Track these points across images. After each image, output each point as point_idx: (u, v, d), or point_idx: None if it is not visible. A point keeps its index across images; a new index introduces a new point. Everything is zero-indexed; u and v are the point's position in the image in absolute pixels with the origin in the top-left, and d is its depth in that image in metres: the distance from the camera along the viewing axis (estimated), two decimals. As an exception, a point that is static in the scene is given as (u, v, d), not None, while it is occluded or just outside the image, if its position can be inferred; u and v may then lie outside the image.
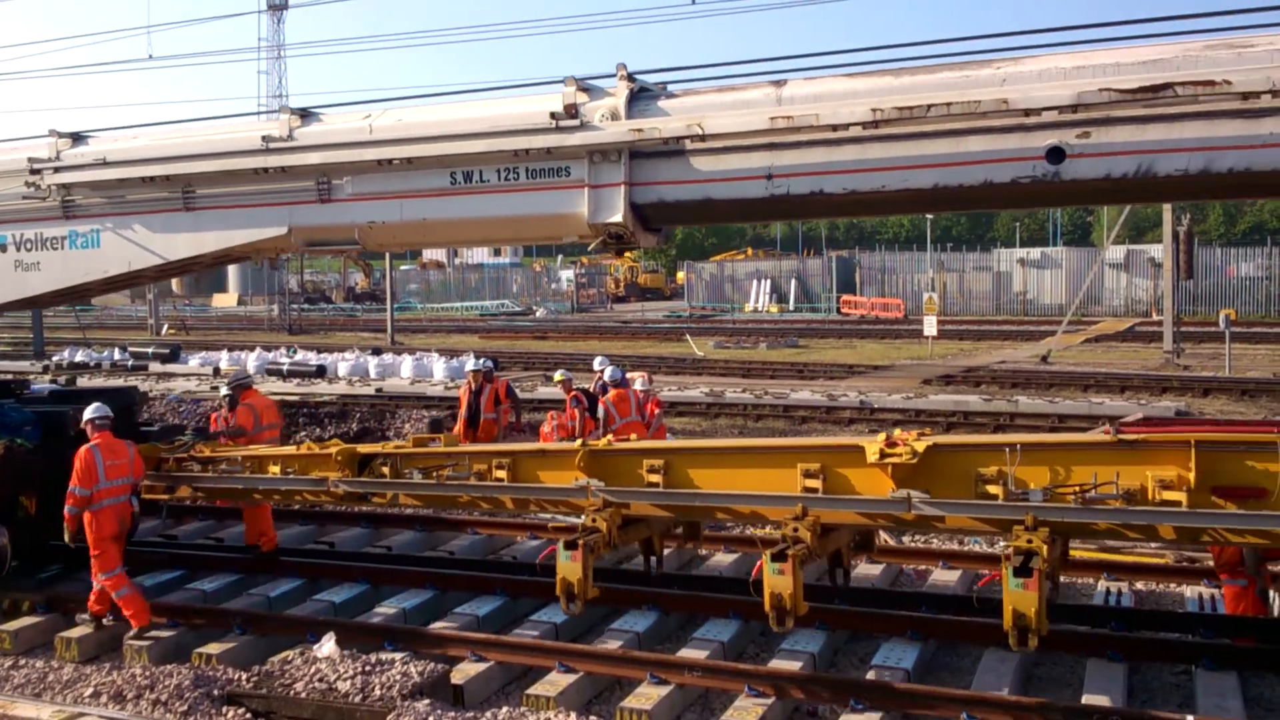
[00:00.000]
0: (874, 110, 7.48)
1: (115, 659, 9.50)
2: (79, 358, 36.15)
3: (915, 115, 7.40)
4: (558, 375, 15.67)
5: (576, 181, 8.58)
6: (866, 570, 11.17)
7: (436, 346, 39.53)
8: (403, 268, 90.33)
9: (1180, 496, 7.11)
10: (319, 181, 9.44)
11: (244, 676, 8.40)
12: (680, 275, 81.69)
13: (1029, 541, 7.08)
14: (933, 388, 26.98)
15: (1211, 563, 10.13)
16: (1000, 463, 7.64)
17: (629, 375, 15.10)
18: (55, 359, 36.04)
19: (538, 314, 68.86)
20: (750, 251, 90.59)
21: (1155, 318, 45.47)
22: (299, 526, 13.52)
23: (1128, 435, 7.53)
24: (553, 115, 8.48)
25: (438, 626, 9.63)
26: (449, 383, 27.97)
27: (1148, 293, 54.98)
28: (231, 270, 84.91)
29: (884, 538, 12.74)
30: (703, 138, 8.07)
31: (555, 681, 8.26)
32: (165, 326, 57.31)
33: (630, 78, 8.46)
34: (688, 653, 8.78)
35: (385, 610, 10.19)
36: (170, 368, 34.34)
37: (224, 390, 12.46)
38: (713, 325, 54.64)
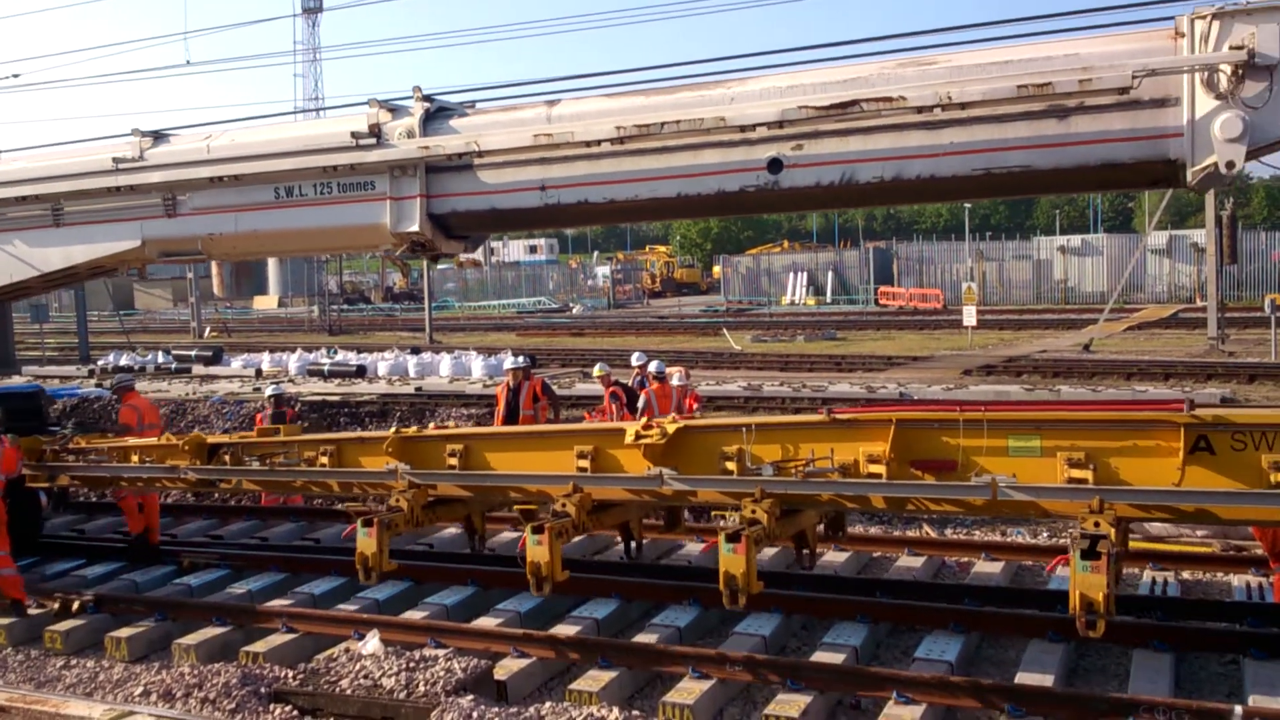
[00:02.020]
0: (618, 128, 8.29)
1: (164, 658, 9.64)
2: (123, 361, 36.65)
3: (651, 132, 8.21)
4: (597, 370, 15.68)
5: (380, 194, 9.39)
6: (908, 562, 11.13)
7: (474, 345, 39.73)
8: (440, 267, 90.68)
9: (882, 469, 7.92)
10: (165, 198, 10.35)
11: (290, 674, 8.49)
12: (716, 270, 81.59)
13: (752, 511, 7.98)
14: (973, 378, 26.76)
15: (1260, 550, 10.00)
16: (740, 442, 8.51)
17: (667, 370, 15.09)
18: (100, 363, 36.55)
19: (574, 310, 68.96)
20: (786, 244, 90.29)
21: (1199, 304, 44.90)
22: (329, 526, 13.65)
23: (841, 416, 8.42)
24: (354, 135, 9.33)
25: (479, 623, 9.69)
26: (487, 380, 28.11)
27: (1191, 278, 54.27)
28: (272, 272, 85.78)
29: (926, 530, 12.70)
30: (481, 154, 8.92)
31: (597, 677, 8.29)
32: (208, 329, 57.95)
33: (427, 98, 9.34)
34: (730, 648, 8.78)
35: (428, 607, 10.26)
36: (213, 370, 34.73)
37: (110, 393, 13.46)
38: (750, 319, 54.52)
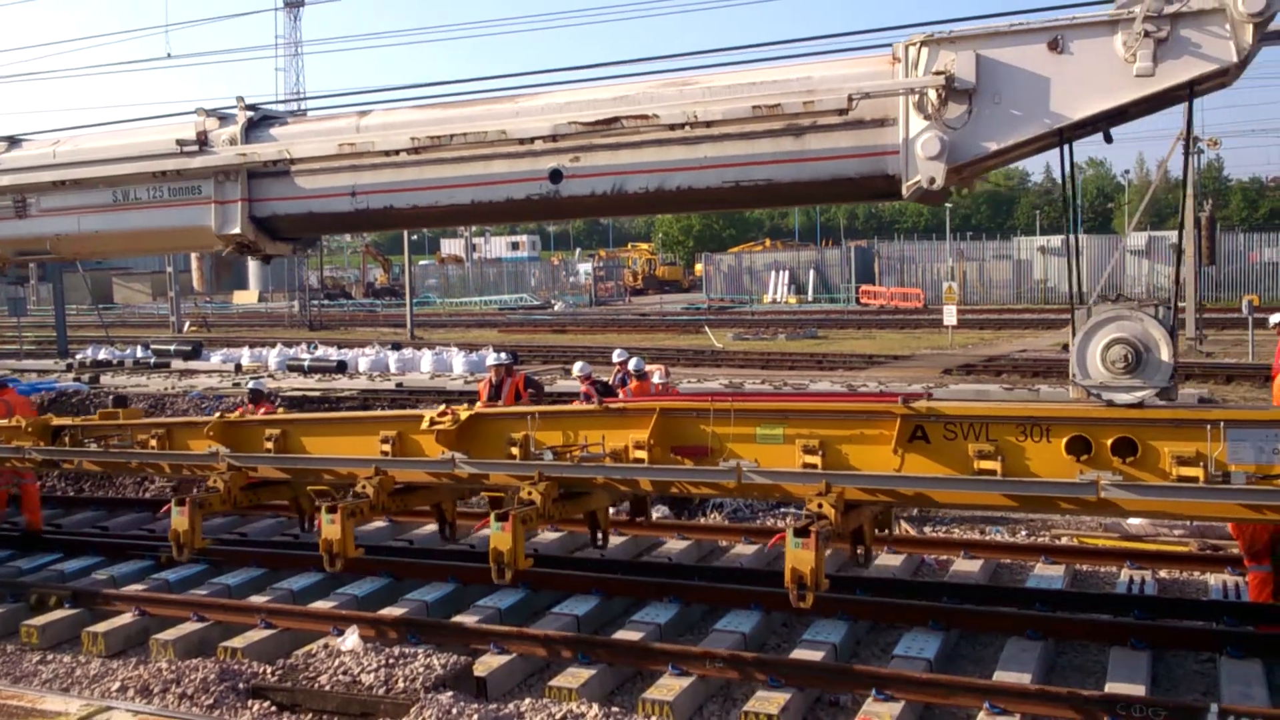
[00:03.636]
0: (413, 139, 8.80)
1: (141, 653, 9.60)
2: (102, 356, 36.40)
3: (442, 143, 8.72)
4: (576, 370, 15.68)
5: (206, 199, 9.85)
6: (887, 560, 11.17)
7: (456, 341, 39.63)
8: (421, 263, 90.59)
9: (644, 455, 8.67)
10: (15, 200, 10.71)
11: (269, 670, 8.46)
12: (698, 267, 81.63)
13: (529, 494, 8.68)
14: (953, 377, 26.88)
15: (1236, 550, 10.08)
16: (526, 429, 9.21)
17: (647, 368, 15.12)
18: (79, 357, 36.29)
19: (556, 307, 68.87)
20: (768, 243, 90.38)
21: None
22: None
23: (612, 405, 9.31)
24: (179, 142, 9.80)
25: (459, 619, 9.68)
26: (469, 376, 28.03)
27: (1170, 279, 54.59)
28: (252, 267, 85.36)
29: (905, 528, 12.75)
30: (294, 160, 9.40)
31: (577, 673, 8.29)
32: (187, 324, 57.61)
33: (251, 107, 9.87)
34: (710, 646, 8.80)
35: (407, 603, 10.24)
36: (192, 365, 34.52)
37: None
38: (731, 317, 54.56)
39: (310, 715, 7.93)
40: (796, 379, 26.48)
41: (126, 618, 10.13)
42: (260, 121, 9.84)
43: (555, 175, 8.63)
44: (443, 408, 9.92)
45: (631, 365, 14.70)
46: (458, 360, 30.75)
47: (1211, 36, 6.77)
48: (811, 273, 69.14)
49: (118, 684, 8.58)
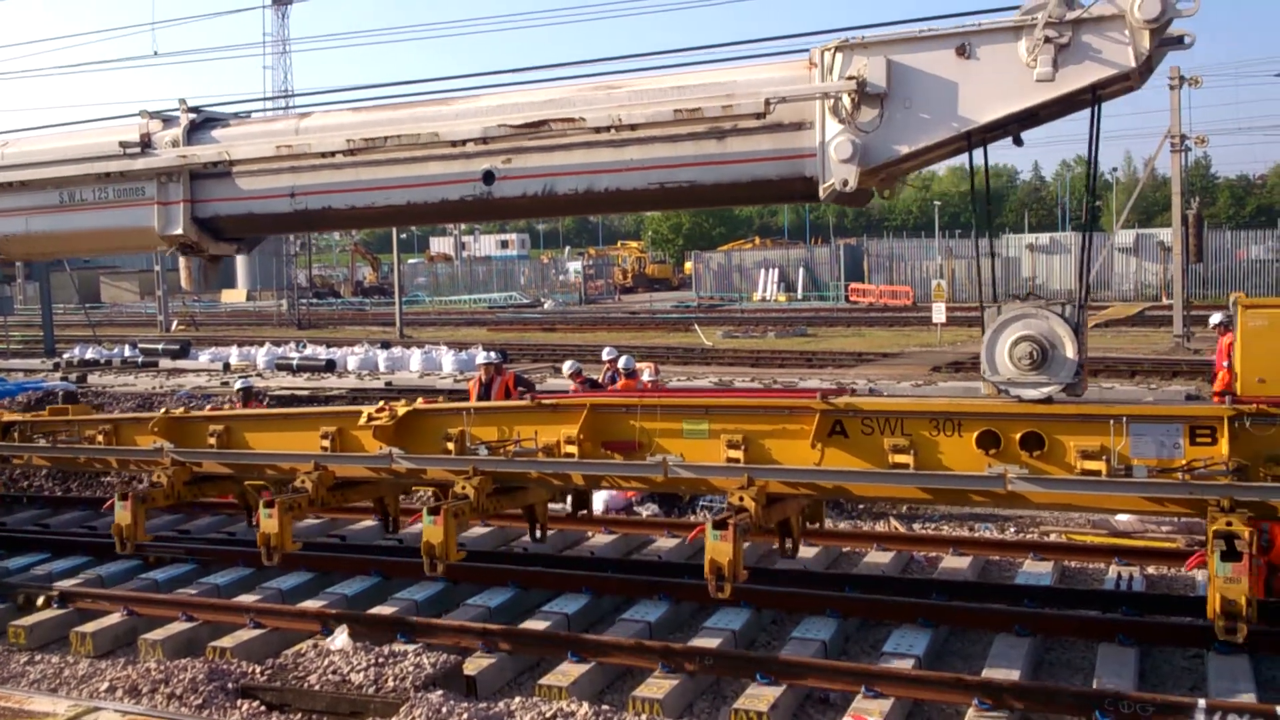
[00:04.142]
0: (348, 141, 8.95)
1: (130, 654, 9.56)
2: (89, 355, 36.26)
3: (376, 145, 8.87)
4: (567, 369, 15.67)
5: (149, 200, 10.01)
6: (877, 557, 11.19)
7: (445, 339, 39.56)
8: (410, 261, 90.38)
9: (575, 449, 8.91)
10: None
11: (258, 669, 8.44)
12: (688, 265, 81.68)
13: (463, 488, 8.88)
14: (942, 375, 26.93)
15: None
16: (461, 424, 9.43)
17: (636, 366, 15.14)
18: (66, 356, 36.15)
19: (546, 306, 68.82)
20: (758, 240, 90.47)
21: (1165, 302, 45.31)
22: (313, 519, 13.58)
23: (545, 401, 9.40)
24: (122, 144, 9.93)
25: (449, 618, 9.67)
26: (458, 375, 28.00)
27: (1157, 277, 54.80)
28: (240, 266, 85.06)
29: (895, 525, 12.77)
30: (233, 162, 9.57)
31: (567, 671, 8.29)
32: (175, 323, 57.42)
33: (194, 110, 10.03)
34: (699, 643, 8.80)
35: (397, 602, 10.22)
36: (180, 364, 34.42)
37: None
38: (721, 315, 54.59)
39: (299, 715, 7.92)
40: (786, 377, 26.49)
41: (115, 618, 10.08)
42: (203, 124, 10.00)
43: (488, 177, 8.78)
44: (381, 404, 10.11)
45: (621, 363, 14.73)
46: (447, 359, 30.71)
47: (1111, 42, 7.00)
48: (801, 271, 69.21)
49: (106, 684, 8.56)
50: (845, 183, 7.51)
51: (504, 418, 9.48)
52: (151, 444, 10.89)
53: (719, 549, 7.77)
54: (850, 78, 7.42)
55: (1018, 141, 7.87)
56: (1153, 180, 57.61)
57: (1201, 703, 7.01)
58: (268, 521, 9.39)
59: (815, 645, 8.67)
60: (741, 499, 8.05)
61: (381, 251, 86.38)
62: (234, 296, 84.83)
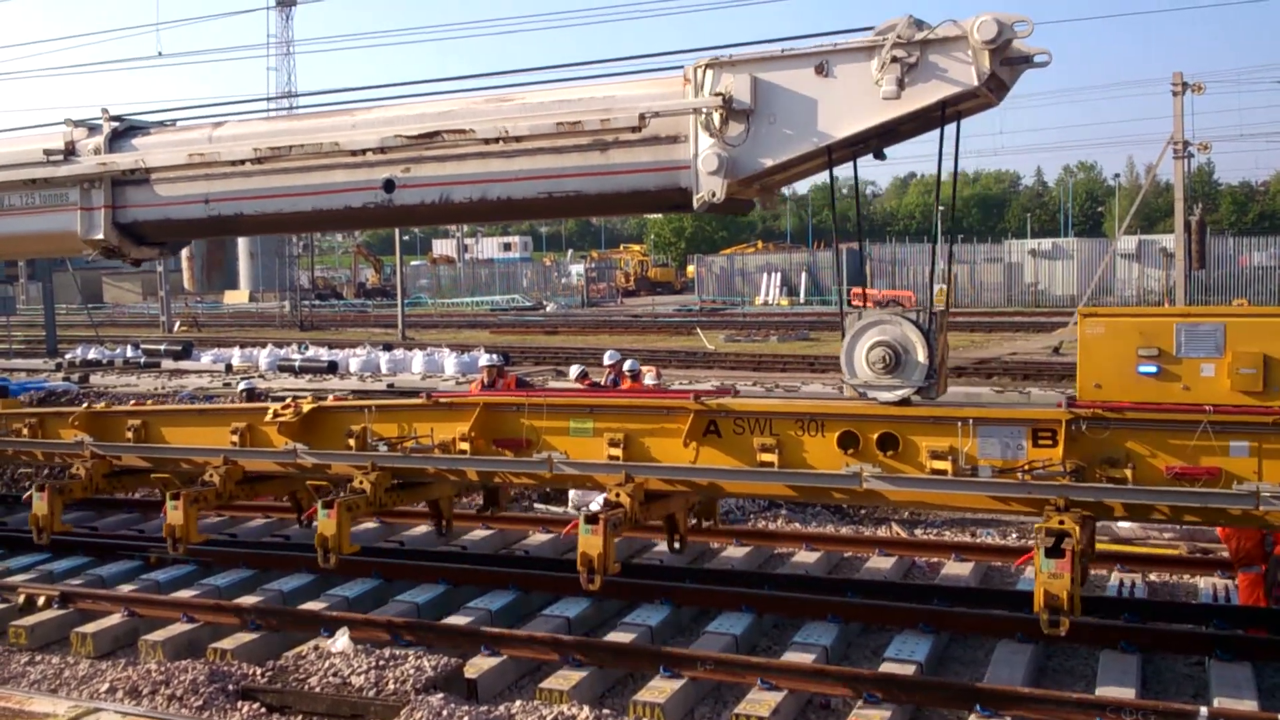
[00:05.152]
0: (255, 149, 9.30)
1: (130, 655, 9.55)
2: (91, 355, 36.27)
3: (281, 154, 9.21)
4: (573, 373, 15.69)
5: (73, 205, 10.33)
6: (879, 563, 11.18)
7: (447, 342, 39.57)
8: (413, 263, 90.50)
9: (467, 446, 9.28)
10: None
11: (259, 671, 8.43)
12: (690, 269, 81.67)
13: (360, 483, 9.27)
14: (944, 380, 26.83)
15: (1226, 554, 10.11)
16: (363, 421, 9.78)
17: (640, 370, 15.17)
18: (68, 356, 36.16)
19: (548, 308, 68.81)
20: (760, 245, 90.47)
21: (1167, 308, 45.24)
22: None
23: (441, 399, 9.72)
24: (46, 151, 10.27)
25: (450, 621, 9.66)
26: (460, 378, 28.00)
27: (1160, 283, 54.71)
28: (243, 266, 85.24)
29: (897, 530, 12.76)
30: (149, 169, 9.89)
31: (568, 675, 8.28)
32: (177, 324, 57.45)
33: (116, 118, 10.35)
34: (701, 648, 8.80)
35: (398, 605, 10.21)
36: (183, 365, 34.41)
37: None
38: (723, 318, 54.60)
39: (300, 717, 7.92)
40: (788, 381, 26.48)
41: (115, 618, 10.07)
42: (126, 132, 10.34)
43: (389, 185, 9.07)
44: (288, 400, 10.57)
45: (626, 366, 14.82)
46: (449, 361, 30.70)
47: (956, 61, 7.29)
48: (803, 275, 69.22)
49: (106, 685, 8.55)
50: (713, 194, 7.84)
51: (403, 415, 9.83)
52: (73, 438, 11.23)
53: (590, 542, 8.09)
54: (718, 94, 7.77)
55: (879, 155, 8.29)
56: (1155, 186, 57.55)
57: (1203, 710, 7.00)
58: (174, 513, 9.80)
59: (817, 650, 8.65)
60: (618, 495, 8.38)
61: (384, 253, 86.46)
62: (236, 298, 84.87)
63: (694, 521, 10.44)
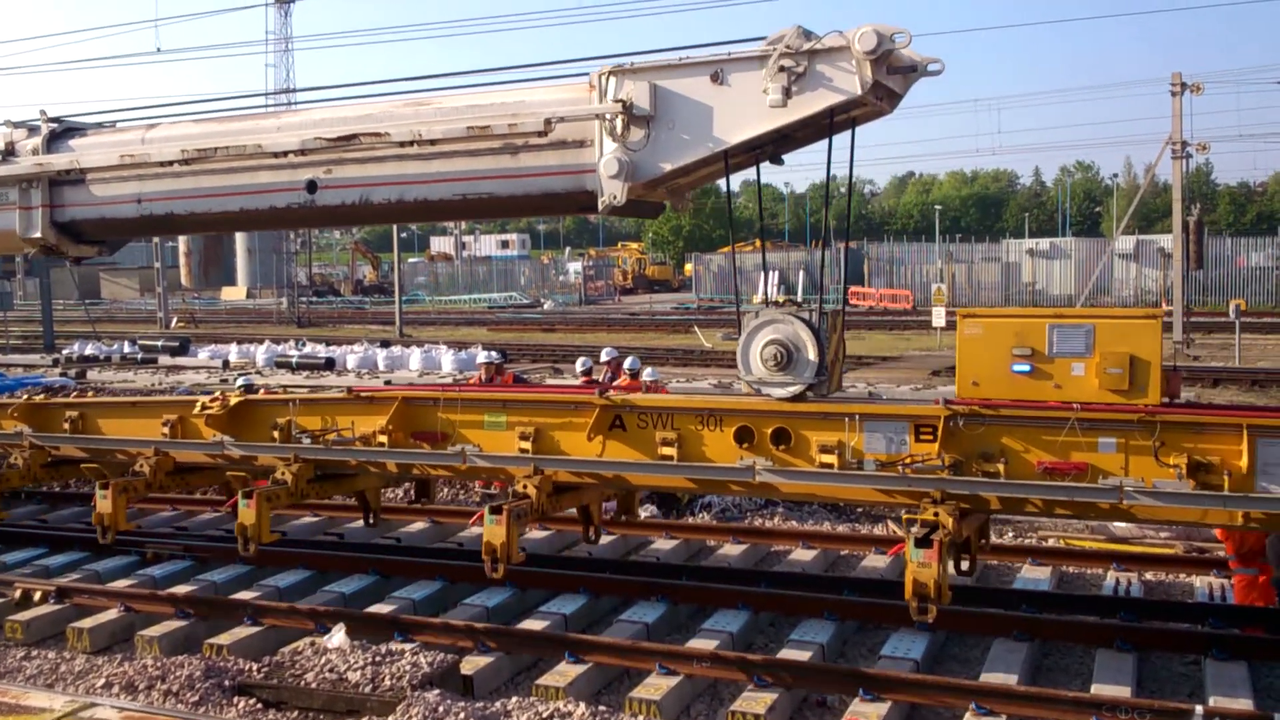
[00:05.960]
0: (183, 150, 9.48)
1: (127, 650, 9.55)
2: (89, 351, 36.24)
3: (208, 155, 9.40)
4: (579, 367, 15.67)
5: (13, 204, 10.51)
6: (875, 561, 11.18)
7: (445, 339, 39.54)
8: (410, 260, 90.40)
9: (385, 439, 9.41)
10: None
11: (255, 667, 8.42)
12: (688, 267, 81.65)
13: (282, 474, 9.42)
14: (941, 379, 26.90)
15: (1222, 553, 10.12)
16: (289, 414, 9.95)
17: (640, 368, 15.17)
18: (65, 352, 36.13)
19: (545, 306, 68.80)
20: (758, 243, 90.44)
21: (1165, 308, 45.32)
22: (311, 517, 13.58)
23: (361, 393, 9.92)
24: None
25: (446, 617, 9.66)
26: (457, 374, 27.98)
27: (1157, 283, 54.71)
28: (240, 263, 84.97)
29: (893, 528, 12.77)
30: (84, 170, 10.09)
31: (564, 672, 8.28)
32: (174, 320, 57.39)
33: (55, 120, 10.57)
34: (698, 644, 8.80)
35: (394, 601, 10.21)
36: (180, 361, 34.40)
37: None
38: (721, 316, 54.55)
39: (296, 713, 7.91)
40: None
41: (111, 614, 10.08)
42: (64, 133, 10.56)
43: (311, 186, 9.26)
44: (216, 393, 10.79)
45: (627, 364, 14.87)
46: (447, 358, 30.69)
47: (841, 71, 7.48)
48: (801, 273, 69.11)
49: (102, 680, 8.54)
50: (615, 197, 8.06)
51: (326, 409, 10.04)
52: (12, 428, 11.41)
53: (494, 532, 8.24)
54: (620, 101, 7.97)
55: (776, 161, 8.55)
56: (1153, 186, 57.60)
57: (1199, 709, 7.01)
58: (103, 503, 9.98)
59: (813, 648, 8.66)
60: (525, 486, 8.57)
61: (382, 250, 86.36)
62: (234, 294, 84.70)
63: (622, 517, 10.63)
